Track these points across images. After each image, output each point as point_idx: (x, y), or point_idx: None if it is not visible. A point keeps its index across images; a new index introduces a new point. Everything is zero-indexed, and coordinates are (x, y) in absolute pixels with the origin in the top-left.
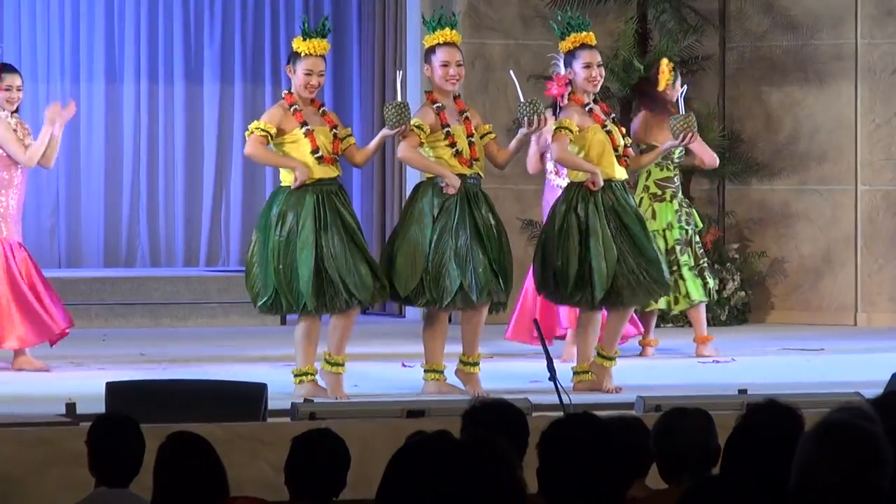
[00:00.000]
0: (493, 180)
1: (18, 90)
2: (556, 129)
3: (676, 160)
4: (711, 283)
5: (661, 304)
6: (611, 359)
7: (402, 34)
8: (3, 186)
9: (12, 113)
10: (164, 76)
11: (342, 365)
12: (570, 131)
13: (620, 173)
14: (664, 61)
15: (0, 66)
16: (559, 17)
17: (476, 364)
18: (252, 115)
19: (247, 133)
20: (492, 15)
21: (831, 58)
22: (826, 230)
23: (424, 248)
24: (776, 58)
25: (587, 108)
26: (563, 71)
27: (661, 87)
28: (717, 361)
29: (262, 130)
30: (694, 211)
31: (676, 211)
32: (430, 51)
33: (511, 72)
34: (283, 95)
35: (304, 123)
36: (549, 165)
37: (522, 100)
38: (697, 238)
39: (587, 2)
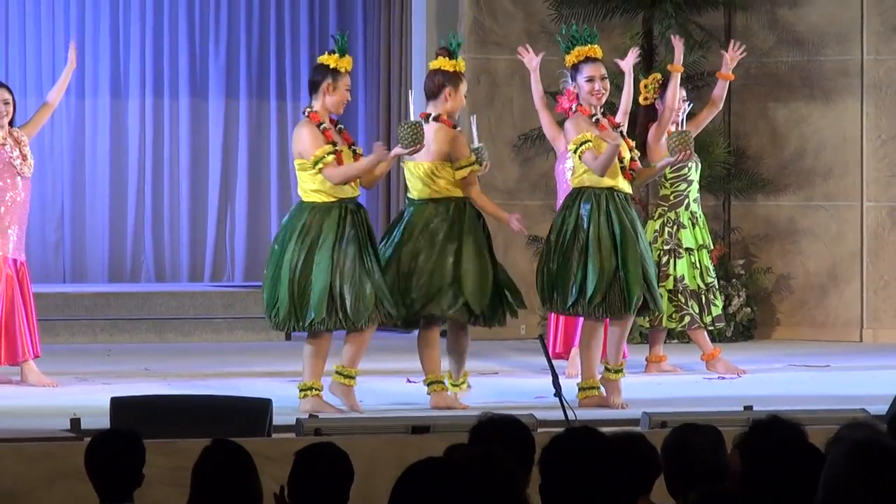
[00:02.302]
0: (500, 196)
1: (6, 104)
2: (575, 147)
3: (670, 176)
4: (717, 307)
5: (665, 321)
6: (618, 371)
7: (406, 53)
8: None
9: (9, 128)
10: (169, 91)
11: (353, 377)
12: (589, 141)
13: (625, 185)
14: (651, 76)
15: None
16: (564, 31)
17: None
18: (258, 130)
19: (317, 167)
20: (497, 30)
21: (837, 74)
22: (832, 246)
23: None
24: (782, 74)
25: (594, 119)
26: (571, 86)
27: (641, 101)
28: (722, 378)
29: (329, 155)
30: (699, 228)
31: (655, 231)
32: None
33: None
34: (305, 114)
35: (332, 142)
36: (569, 174)
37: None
38: (703, 256)
39: (592, 17)
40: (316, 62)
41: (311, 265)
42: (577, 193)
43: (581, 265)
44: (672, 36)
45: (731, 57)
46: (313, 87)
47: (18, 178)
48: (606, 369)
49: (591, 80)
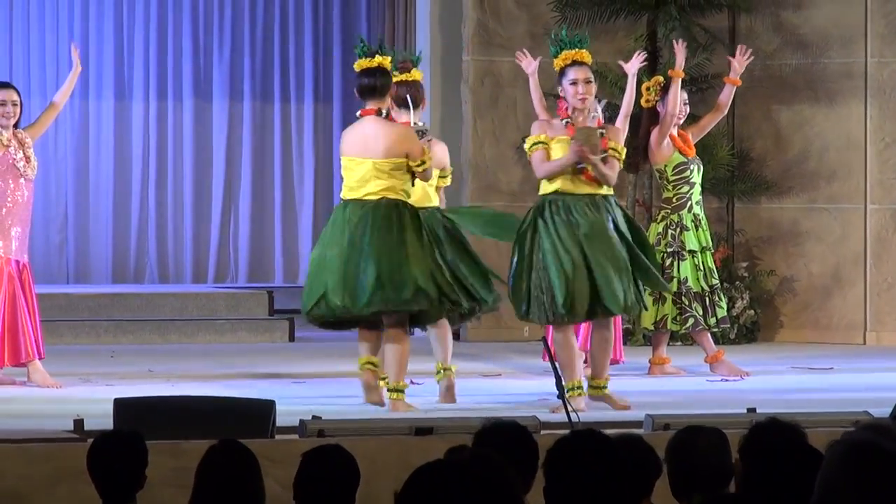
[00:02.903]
0: (505, 198)
1: (14, 105)
2: (528, 147)
3: (672, 179)
4: (721, 309)
5: (669, 324)
6: (603, 387)
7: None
8: None
9: (14, 127)
10: (173, 93)
11: (402, 391)
12: (542, 143)
13: (581, 188)
14: (653, 79)
15: None
16: (553, 36)
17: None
18: (262, 132)
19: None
20: (501, 32)
21: (841, 76)
22: (835, 249)
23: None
24: (786, 76)
25: (565, 123)
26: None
27: (642, 104)
28: (726, 380)
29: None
30: (702, 230)
31: (659, 234)
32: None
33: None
34: (385, 113)
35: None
36: None
37: None
38: (707, 258)
39: (596, 19)
40: (375, 66)
41: (358, 254)
42: (536, 204)
43: (545, 276)
44: (674, 40)
45: (739, 62)
46: (384, 92)
47: (22, 179)
48: (591, 386)
49: (574, 83)
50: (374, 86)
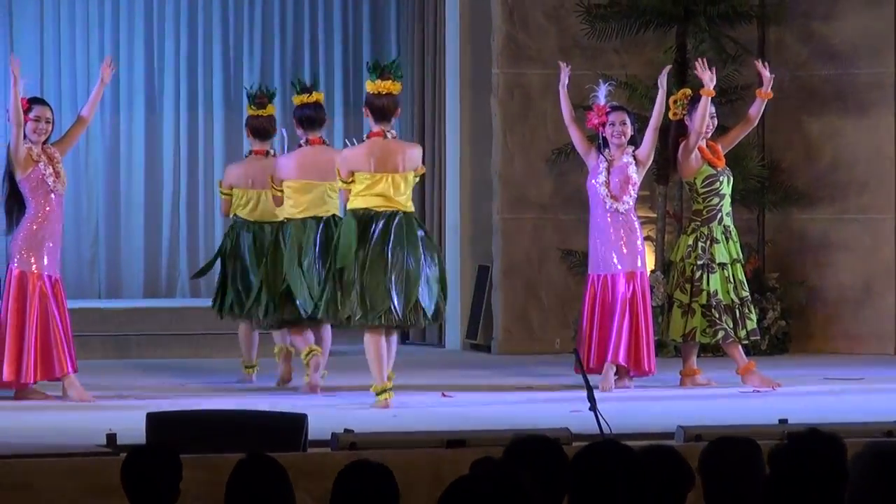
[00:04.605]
0: (534, 210)
1: (48, 122)
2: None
3: (702, 191)
4: (752, 321)
5: (699, 336)
6: (381, 391)
7: (441, 68)
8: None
9: (43, 143)
10: (204, 106)
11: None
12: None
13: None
14: (681, 91)
15: (30, 98)
16: (369, 64)
17: None
18: (292, 145)
19: None
20: (531, 45)
21: (871, 87)
22: (866, 259)
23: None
24: (816, 87)
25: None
26: (602, 101)
27: (670, 116)
28: (757, 391)
29: None
30: (732, 242)
31: (689, 246)
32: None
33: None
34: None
35: None
36: (602, 189)
37: None
38: (737, 270)
39: (626, 31)
40: (314, 101)
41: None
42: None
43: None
44: (702, 60)
45: (765, 77)
46: (323, 122)
47: (52, 195)
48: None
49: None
50: (316, 117)
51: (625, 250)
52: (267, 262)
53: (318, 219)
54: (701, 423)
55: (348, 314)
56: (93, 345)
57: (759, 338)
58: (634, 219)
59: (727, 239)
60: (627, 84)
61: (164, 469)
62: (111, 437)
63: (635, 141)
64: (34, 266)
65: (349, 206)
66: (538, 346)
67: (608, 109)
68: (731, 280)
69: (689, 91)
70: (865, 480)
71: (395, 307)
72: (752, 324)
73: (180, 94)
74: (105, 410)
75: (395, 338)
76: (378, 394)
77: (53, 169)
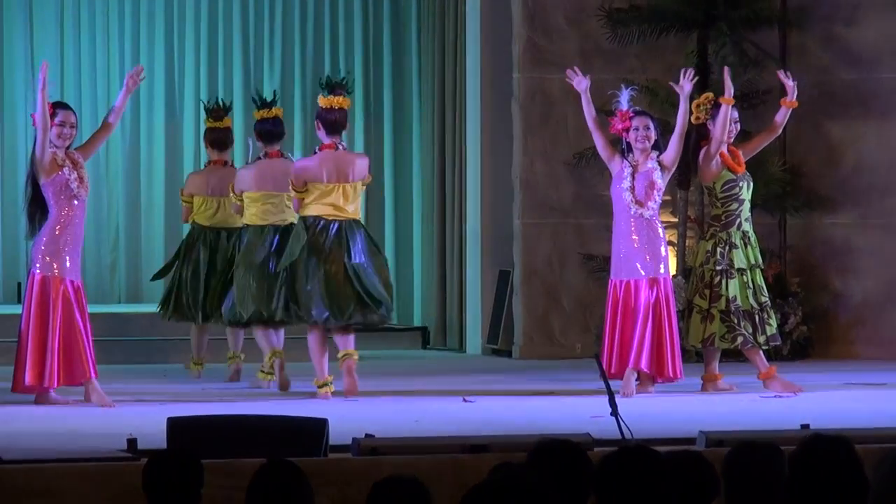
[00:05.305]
0: (555, 215)
1: (72, 127)
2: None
3: (721, 196)
4: (771, 326)
5: (718, 341)
6: (322, 385)
7: (461, 73)
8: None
9: (66, 149)
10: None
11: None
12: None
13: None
14: (704, 96)
15: (54, 102)
16: (321, 79)
17: None
18: (311, 148)
19: None
20: (551, 49)
21: (893, 91)
22: (888, 264)
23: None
24: (838, 92)
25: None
26: (625, 107)
27: (692, 120)
28: (779, 396)
29: None
30: (751, 247)
31: (707, 252)
32: None
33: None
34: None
35: None
36: (627, 195)
37: None
38: (756, 276)
39: (647, 36)
40: (273, 116)
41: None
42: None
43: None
44: (723, 68)
45: (789, 87)
46: (282, 136)
47: (75, 200)
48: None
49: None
50: (275, 132)
51: (648, 256)
52: (218, 264)
53: (275, 227)
54: (722, 428)
55: (301, 313)
56: (113, 350)
57: (778, 343)
58: (658, 224)
59: (746, 244)
60: (648, 89)
61: (185, 474)
62: (132, 442)
63: (658, 146)
64: (57, 271)
65: (301, 213)
66: (559, 351)
67: (631, 114)
68: (751, 285)
69: (711, 95)
70: (887, 485)
71: (340, 309)
72: (771, 329)
73: (200, 98)
74: (126, 415)
75: (351, 336)
76: (319, 387)
77: (77, 174)
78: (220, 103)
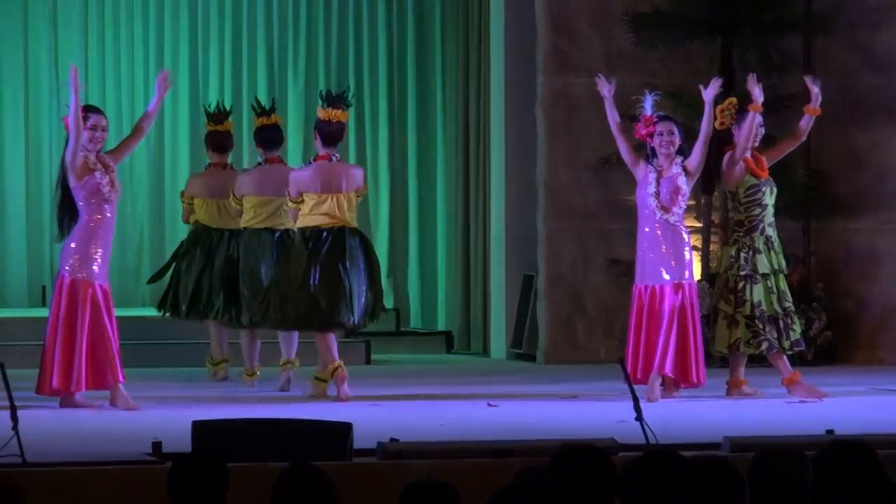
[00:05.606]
0: (579, 220)
1: (103, 131)
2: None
3: (744, 201)
4: (795, 331)
5: (743, 347)
6: (321, 379)
7: (485, 77)
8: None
9: (97, 153)
10: (248, 115)
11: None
12: None
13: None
14: (727, 101)
15: (86, 106)
16: (321, 92)
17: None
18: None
19: None
20: (575, 54)
21: None
22: None
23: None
24: (861, 97)
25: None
26: (648, 112)
27: (717, 126)
28: (804, 402)
29: None
30: (774, 252)
31: (731, 257)
32: None
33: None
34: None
35: None
36: (652, 200)
37: None
38: (780, 281)
39: (671, 41)
40: (272, 123)
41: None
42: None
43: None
44: (750, 75)
45: (814, 94)
46: (281, 142)
47: (105, 204)
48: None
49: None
50: (274, 138)
51: (673, 262)
52: (215, 264)
53: (272, 231)
54: (747, 434)
55: (289, 318)
56: (138, 353)
57: (803, 348)
58: (683, 229)
59: (769, 249)
60: (672, 94)
61: (209, 477)
62: (157, 446)
63: (683, 151)
64: (86, 274)
65: (298, 224)
66: (583, 355)
67: (656, 119)
68: (775, 290)
69: (735, 100)
70: None
71: (330, 312)
72: (795, 334)
73: (224, 102)
74: (150, 419)
75: (333, 336)
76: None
77: (109, 178)
78: (221, 108)
